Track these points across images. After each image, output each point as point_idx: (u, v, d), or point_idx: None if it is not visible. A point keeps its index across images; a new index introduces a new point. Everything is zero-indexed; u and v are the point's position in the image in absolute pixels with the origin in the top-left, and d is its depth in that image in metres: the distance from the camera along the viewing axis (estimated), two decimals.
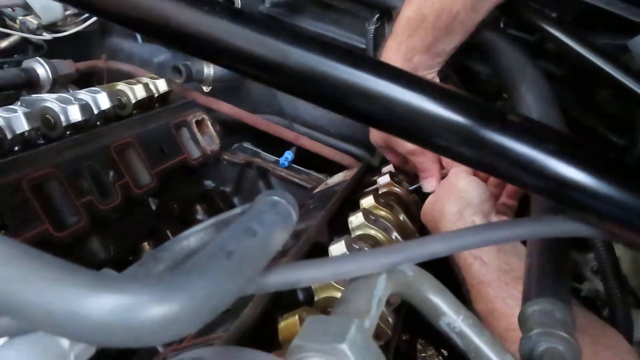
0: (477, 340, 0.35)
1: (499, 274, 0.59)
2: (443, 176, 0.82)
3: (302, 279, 0.28)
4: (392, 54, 0.76)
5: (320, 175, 1.09)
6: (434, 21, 0.72)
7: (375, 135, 0.88)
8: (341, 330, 0.23)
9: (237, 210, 0.31)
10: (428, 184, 0.83)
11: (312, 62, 0.30)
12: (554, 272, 0.42)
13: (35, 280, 0.19)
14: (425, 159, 0.82)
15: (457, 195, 0.70)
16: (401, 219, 0.81)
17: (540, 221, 0.33)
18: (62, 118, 0.81)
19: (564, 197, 0.30)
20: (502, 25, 0.82)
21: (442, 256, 0.31)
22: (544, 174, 0.29)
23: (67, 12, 1.07)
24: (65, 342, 0.24)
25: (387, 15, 0.95)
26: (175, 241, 0.32)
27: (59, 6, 1.03)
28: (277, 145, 1.13)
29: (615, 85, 0.67)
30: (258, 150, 1.15)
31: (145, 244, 0.88)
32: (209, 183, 1.09)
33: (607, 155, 0.30)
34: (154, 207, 0.93)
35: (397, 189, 0.87)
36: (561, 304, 0.39)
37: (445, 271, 0.71)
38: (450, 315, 0.34)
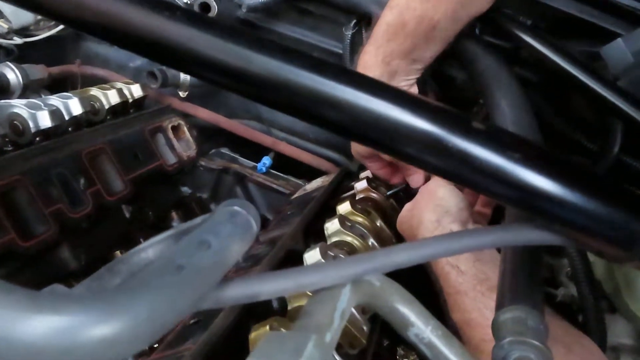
0: (446, 351, 0.34)
1: (475, 283, 0.59)
2: (426, 178, 0.83)
3: (261, 292, 0.27)
4: (371, 57, 0.76)
5: (299, 181, 1.08)
6: (414, 28, 0.72)
7: (356, 145, 0.87)
8: (298, 347, 0.22)
9: (197, 220, 0.30)
10: (414, 181, 0.83)
11: (275, 68, 0.30)
12: (527, 279, 0.42)
13: None
14: None
15: (435, 204, 0.70)
16: (378, 225, 0.80)
17: (507, 229, 0.33)
18: (31, 124, 0.78)
19: (531, 205, 0.30)
20: (477, 32, 0.82)
21: (408, 266, 0.31)
22: (510, 183, 0.29)
23: (39, 17, 1.05)
24: None
25: (364, 21, 0.95)
26: (132, 253, 0.31)
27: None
28: (255, 151, 1.12)
29: (588, 93, 0.67)
30: (236, 155, 1.14)
31: (118, 252, 0.86)
32: (185, 189, 1.07)
33: (574, 164, 0.30)
34: (127, 215, 0.91)
35: (374, 195, 0.86)
36: (534, 311, 0.39)
37: (424, 280, 0.71)
38: (419, 326, 0.33)
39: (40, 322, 0.18)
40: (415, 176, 0.83)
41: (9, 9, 0.97)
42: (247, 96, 0.31)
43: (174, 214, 1.01)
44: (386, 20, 0.74)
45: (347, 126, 0.30)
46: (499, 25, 0.79)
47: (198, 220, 0.30)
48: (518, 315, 0.39)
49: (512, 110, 0.66)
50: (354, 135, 0.31)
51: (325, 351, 0.23)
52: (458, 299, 0.59)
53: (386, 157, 0.83)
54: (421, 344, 0.34)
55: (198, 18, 0.31)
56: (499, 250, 0.64)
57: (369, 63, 0.76)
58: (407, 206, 0.76)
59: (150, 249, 0.31)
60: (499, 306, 0.41)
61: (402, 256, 0.30)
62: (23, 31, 1.03)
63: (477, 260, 0.61)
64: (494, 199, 0.32)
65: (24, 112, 0.78)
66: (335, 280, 0.29)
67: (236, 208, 0.28)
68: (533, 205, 0.29)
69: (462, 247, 0.31)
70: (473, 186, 0.30)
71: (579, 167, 0.30)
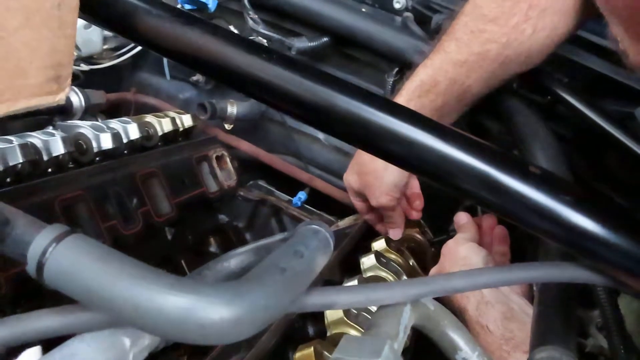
0: None
1: (502, 342, 0.61)
2: None
3: (337, 302, 0.30)
4: None
5: (331, 217, 1.12)
6: (445, 88, 0.74)
7: (351, 179, 0.87)
8: (376, 348, 0.25)
9: (279, 237, 0.34)
10: (395, 233, 0.88)
11: (356, 109, 0.34)
12: (561, 321, 0.44)
13: (125, 278, 0.21)
14: (394, 213, 0.86)
15: (460, 264, 0.72)
16: (411, 264, 0.83)
17: (554, 266, 0.36)
18: (94, 144, 0.85)
19: (578, 245, 0.33)
20: (515, 87, 0.87)
21: (463, 292, 0.34)
22: (560, 223, 0.32)
23: (105, 47, 1.13)
24: (127, 342, 0.26)
25: (406, 69, 1.00)
26: (217, 261, 0.35)
27: (98, 40, 1.10)
28: (291, 185, 1.16)
29: (622, 150, 0.70)
30: (272, 188, 1.18)
31: None
32: (223, 217, 1.11)
33: (620, 208, 0.33)
34: (169, 237, 0.96)
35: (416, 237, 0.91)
36: (568, 352, 0.41)
37: None
38: (467, 351, 0.36)
39: (185, 300, 0.22)
40: (396, 230, 0.88)
41: (80, 39, 1.06)
42: (328, 132, 0.36)
43: (211, 240, 1.05)
44: (419, 77, 0.76)
45: (415, 163, 0.34)
46: (536, 81, 0.83)
47: (279, 236, 0.34)
48: (552, 354, 0.41)
49: (548, 162, 0.70)
50: (421, 171, 0.35)
51: (397, 356, 0.27)
52: None
53: (373, 200, 0.84)
54: None
55: (291, 61, 0.36)
56: (531, 301, 0.66)
57: None
58: (434, 270, 0.78)
59: (232, 259, 0.35)
60: (534, 345, 0.43)
61: (460, 282, 0.33)
62: (89, 59, 1.12)
63: (505, 318, 0.63)
64: (543, 238, 0.35)
65: (89, 133, 0.84)
66: (399, 299, 0.32)
67: (316, 227, 0.32)
68: (581, 244, 0.32)
69: (514, 279, 0.35)
70: (524, 224, 0.34)
71: (625, 211, 0.33)
